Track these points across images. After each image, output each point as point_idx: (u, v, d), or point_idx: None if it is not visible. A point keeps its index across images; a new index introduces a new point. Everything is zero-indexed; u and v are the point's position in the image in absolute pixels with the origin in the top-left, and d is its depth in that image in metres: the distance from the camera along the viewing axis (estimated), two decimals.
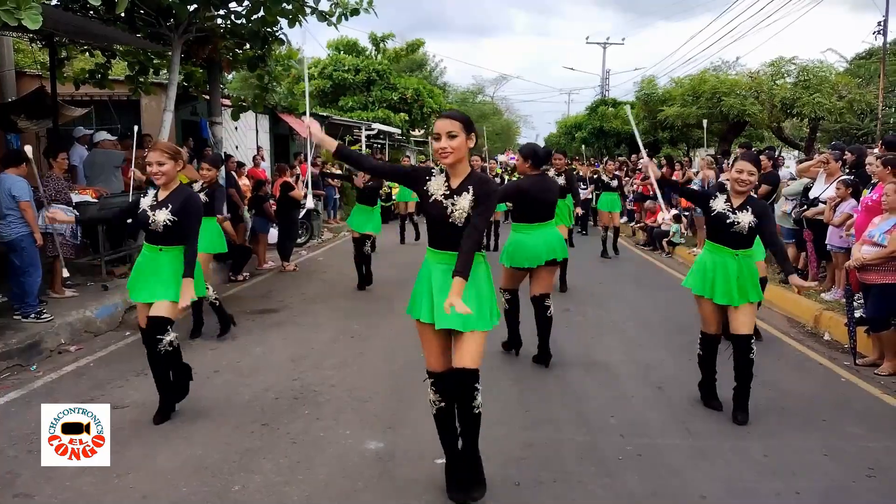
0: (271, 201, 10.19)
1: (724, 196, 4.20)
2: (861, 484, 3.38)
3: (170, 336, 3.98)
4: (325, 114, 19.98)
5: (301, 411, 4.24)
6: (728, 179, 4.35)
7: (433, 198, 3.00)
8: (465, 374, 2.99)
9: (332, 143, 3.19)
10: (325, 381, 4.81)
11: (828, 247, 6.80)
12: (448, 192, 2.98)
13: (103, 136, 8.71)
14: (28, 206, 5.90)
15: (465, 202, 2.93)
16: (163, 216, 3.96)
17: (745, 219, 4.05)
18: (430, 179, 3.04)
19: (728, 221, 4.08)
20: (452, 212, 2.94)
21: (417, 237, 13.33)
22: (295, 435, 3.86)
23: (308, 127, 3.28)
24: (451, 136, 2.90)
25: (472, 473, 3.13)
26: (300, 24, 8.79)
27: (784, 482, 3.37)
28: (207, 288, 5.08)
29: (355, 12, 8.86)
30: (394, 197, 17.20)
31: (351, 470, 3.44)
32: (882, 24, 16.46)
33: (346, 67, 24.26)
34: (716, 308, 4.18)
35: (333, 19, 8.82)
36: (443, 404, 3.13)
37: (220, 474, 3.37)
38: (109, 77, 9.86)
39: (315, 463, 3.52)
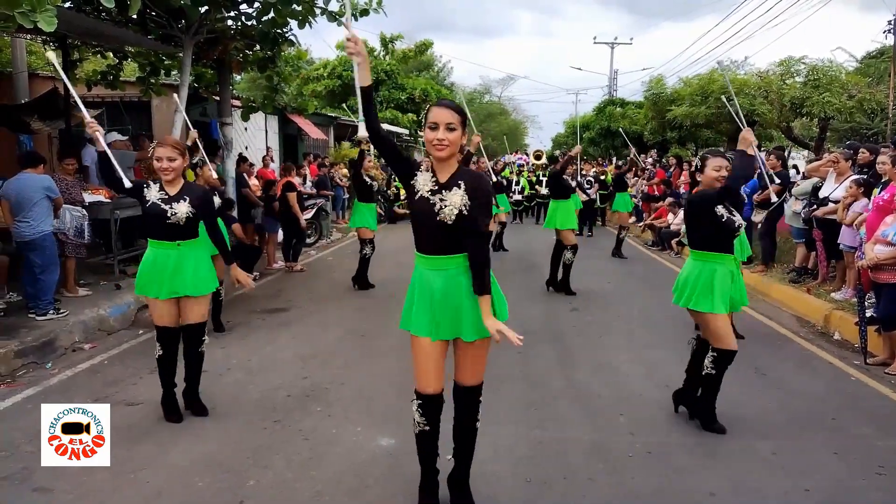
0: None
1: None
2: (871, 482, 3.38)
3: (206, 337, 4.23)
4: (333, 114, 20.08)
5: (312, 409, 4.28)
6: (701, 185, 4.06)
7: (419, 194, 2.72)
8: (473, 392, 2.89)
9: (365, 77, 2.67)
10: (334, 380, 4.85)
11: (840, 246, 6.78)
12: (436, 188, 2.72)
13: (115, 136, 8.80)
14: (61, 202, 6.32)
15: (455, 198, 2.68)
16: (184, 209, 3.92)
17: (738, 216, 3.97)
18: (417, 173, 2.77)
19: (736, 226, 3.90)
20: (441, 208, 2.68)
21: None
22: (306, 432, 3.90)
23: (354, 41, 2.59)
24: (450, 129, 2.65)
25: (465, 499, 3.00)
26: (310, 26, 8.84)
27: (793, 480, 3.38)
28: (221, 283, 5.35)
29: (365, 13, 8.91)
30: (402, 196, 17.27)
31: (361, 466, 3.47)
32: (893, 23, 16.37)
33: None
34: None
35: (343, 19, 8.86)
36: (427, 428, 2.86)
37: (233, 470, 3.42)
38: (121, 78, 9.96)
39: (326, 459, 3.56)
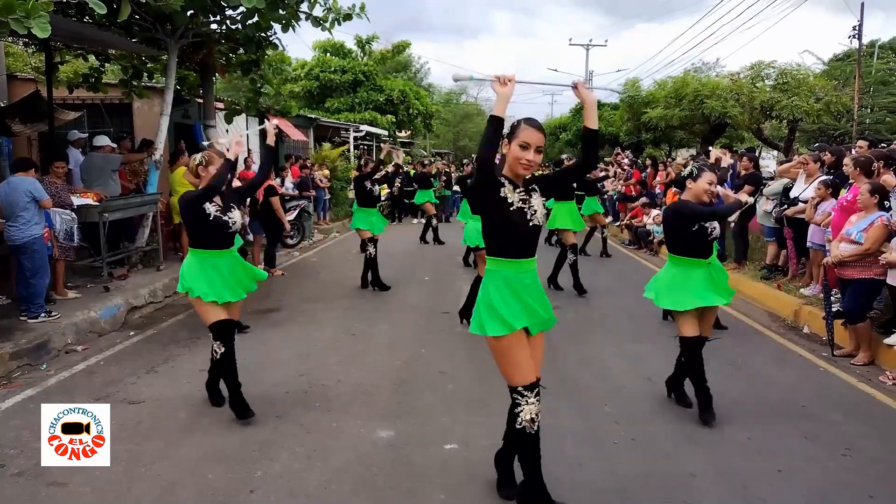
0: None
1: None
2: (838, 463, 3.66)
3: None
4: (312, 115, 20.12)
5: (312, 404, 4.44)
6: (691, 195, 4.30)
7: (514, 206, 2.88)
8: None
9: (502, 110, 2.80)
10: (331, 377, 5.01)
11: (808, 244, 7.10)
12: (525, 197, 2.94)
13: (105, 140, 8.77)
14: (49, 203, 6.29)
15: (538, 202, 2.96)
16: (238, 216, 4.26)
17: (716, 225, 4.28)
18: (503, 186, 2.90)
19: (708, 232, 4.20)
20: (532, 215, 2.93)
21: (436, 240, 13.42)
22: (308, 426, 4.06)
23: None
24: (539, 151, 2.85)
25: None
26: (293, 30, 8.96)
27: (767, 462, 3.64)
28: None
29: (348, 17, 9.04)
30: (383, 198, 17.38)
31: (365, 457, 3.65)
32: (857, 28, 16.99)
33: (333, 69, 24.40)
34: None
35: (327, 24, 9.00)
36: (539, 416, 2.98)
37: (241, 463, 3.57)
38: (102, 81, 9.95)
39: (330, 451, 3.72)
